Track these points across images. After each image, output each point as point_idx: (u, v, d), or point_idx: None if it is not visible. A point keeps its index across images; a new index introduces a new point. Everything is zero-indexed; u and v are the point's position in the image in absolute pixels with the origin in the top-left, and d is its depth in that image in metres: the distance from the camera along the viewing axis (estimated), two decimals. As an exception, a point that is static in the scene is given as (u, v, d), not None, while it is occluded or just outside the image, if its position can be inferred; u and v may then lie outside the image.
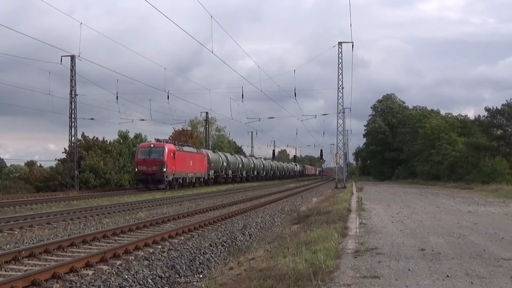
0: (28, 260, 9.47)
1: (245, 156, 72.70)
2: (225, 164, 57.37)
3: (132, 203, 23.81)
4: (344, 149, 56.55)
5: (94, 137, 47.07)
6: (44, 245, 10.41)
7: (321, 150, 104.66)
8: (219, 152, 58.09)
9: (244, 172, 66.48)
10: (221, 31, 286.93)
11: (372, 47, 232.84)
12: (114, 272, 8.60)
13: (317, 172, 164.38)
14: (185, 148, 43.59)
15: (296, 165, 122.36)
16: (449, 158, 55.74)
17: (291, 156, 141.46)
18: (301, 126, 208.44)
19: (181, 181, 41.43)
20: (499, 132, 51.23)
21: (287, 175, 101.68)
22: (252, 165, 72.12)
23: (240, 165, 65.34)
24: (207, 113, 71.44)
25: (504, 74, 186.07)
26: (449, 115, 69.54)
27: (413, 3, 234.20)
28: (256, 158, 77.51)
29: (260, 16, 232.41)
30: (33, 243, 11.15)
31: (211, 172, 51.54)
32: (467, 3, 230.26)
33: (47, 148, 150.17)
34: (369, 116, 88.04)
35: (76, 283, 7.76)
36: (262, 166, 78.56)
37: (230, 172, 59.41)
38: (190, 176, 43.86)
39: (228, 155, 61.22)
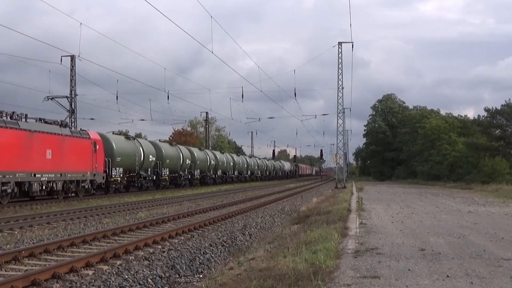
0: (28, 260, 9.47)
1: (200, 149, 51.25)
2: (151, 158, 36.74)
3: (132, 203, 23.82)
4: (344, 149, 56.56)
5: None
6: (44, 245, 10.40)
7: (321, 150, 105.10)
8: (140, 140, 38.18)
9: (196, 172, 46.30)
10: (221, 32, 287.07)
11: (372, 47, 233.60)
12: (114, 272, 8.59)
13: (314, 172, 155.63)
14: (32, 125, 23.03)
15: (287, 163, 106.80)
16: (449, 158, 55.81)
17: (291, 156, 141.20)
18: (301, 126, 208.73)
19: (11, 190, 21.11)
20: (498, 132, 51.29)
21: (272, 176, 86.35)
22: (214, 163, 52.17)
23: (189, 161, 44.08)
24: (207, 113, 71.51)
25: (503, 74, 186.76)
26: (449, 115, 69.62)
27: (412, 3, 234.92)
28: (222, 153, 60.27)
29: (260, 17, 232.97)
30: (33, 243, 11.13)
31: (118, 171, 32.42)
32: (466, 4, 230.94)
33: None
34: (369, 116, 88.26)
35: (76, 283, 7.76)
36: (231, 164, 59.90)
37: (166, 171, 39.48)
38: (44, 178, 23.23)
39: (166, 145, 42.50)
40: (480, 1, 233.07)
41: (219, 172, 55.20)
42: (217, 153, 56.64)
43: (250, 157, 75.73)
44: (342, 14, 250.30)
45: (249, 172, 69.89)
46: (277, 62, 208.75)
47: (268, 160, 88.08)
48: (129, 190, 35.26)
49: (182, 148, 45.65)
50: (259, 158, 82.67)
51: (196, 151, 48.69)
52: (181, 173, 43.80)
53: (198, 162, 47.23)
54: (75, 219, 16.86)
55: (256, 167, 74.58)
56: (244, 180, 66.47)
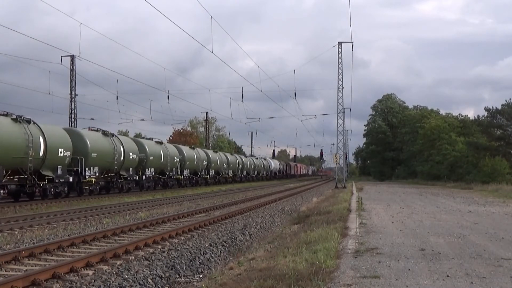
0: (28, 260, 9.47)
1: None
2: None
3: (132, 203, 23.82)
4: (344, 149, 56.54)
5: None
6: (44, 245, 10.40)
7: (321, 150, 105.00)
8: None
9: (91, 171, 28.54)
10: (221, 32, 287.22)
11: (372, 48, 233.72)
12: (114, 272, 8.59)
13: (311, 172, 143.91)
14: None
15: (274, 161, 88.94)
16: (449, 158, 55.78)
17: (291, 156, 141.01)
18: (301, 126, 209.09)
19: None
20: (499, 132, 51.27)
21: (252, 177, 67.31)
22: (144, 157, 35.07)
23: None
24: (207, 113, 71.54)
25: (503, 74, 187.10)
26: (449, 115, 69.64)
27: (411, 3, 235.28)
28: (159, 144, 39.76)
29: (260, 17, 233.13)
30: (33, 243, 11.13)
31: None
32: (465, 4, 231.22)
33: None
34: (369, 116, 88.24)
35: (76, 283, 7.76)
36: (178, 161, 42.08)
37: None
38: None
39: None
40: (479, 1, 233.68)
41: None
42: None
43: (215, 152, 56.35)
44: (342, 14, 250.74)
45: (211, 172, 50.86)
46: (277, 62, 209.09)
47: (246, 157, 69.40)
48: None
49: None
50: (231, 154, 63.76)
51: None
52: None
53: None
54: (75, 219, 16.85)
55: (224, 165, 55.32)
56: (202, 183, 48.69)
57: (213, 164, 50.27)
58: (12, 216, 16.73)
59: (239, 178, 62.43)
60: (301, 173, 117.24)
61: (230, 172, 57.11)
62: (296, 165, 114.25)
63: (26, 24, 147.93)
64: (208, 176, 49.92)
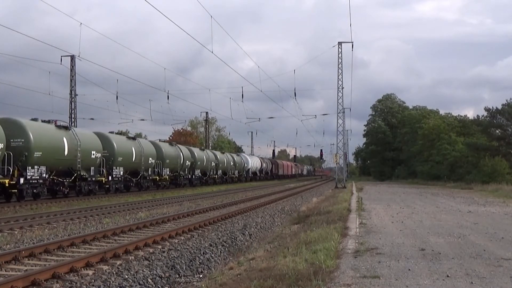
0: (28, 260, 9.47)
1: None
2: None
3: (132, 203, 23.81)
4: (344, 149, 56.46)
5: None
6: (44, 245, 10.40)
7: (321, 150, 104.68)
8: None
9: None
10: (221, 32, 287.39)
11: (372, 48, 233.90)
12: (114, 272, 8.59)
13: (305, 172, 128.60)
14: None
15: (254, 158, 70.60)
16: (449, 158, 55.73)
17: (291, 156, 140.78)
18: (301, 126, 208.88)
19: None
20: (498, 132, 51.23)
21: (209, 179, 48.33)
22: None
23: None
24: (207, 113, 71.43)
25: (502, 74, 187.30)
26: (448, 115, 69.60)
27: (410, 3, 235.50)
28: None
29: (260, 17, 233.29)
30: (33, 243, 11.13)
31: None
32: (464, 4, 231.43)
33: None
34: (369, 116, 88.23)
35: (76, 283, 7.76)
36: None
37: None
38: None
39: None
40: (478, 1, 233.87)
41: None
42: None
43: (146, 140, 40.16)
44: (342, 14, 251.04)
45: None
46: (277, 62, 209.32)
47: (201, 150, 48.62)
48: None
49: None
50: (181, 146, 44.48)
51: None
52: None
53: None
54: (75, 219, 16.85)
55: (157, 159, 36.37)
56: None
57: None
58: (12, 216, 16.72)
59: (186, 180, 42.96)
60: (293, 173, 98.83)
61: (167, 171, 38.47)
62: (286, 164, 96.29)
63: (26, 24, 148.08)
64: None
